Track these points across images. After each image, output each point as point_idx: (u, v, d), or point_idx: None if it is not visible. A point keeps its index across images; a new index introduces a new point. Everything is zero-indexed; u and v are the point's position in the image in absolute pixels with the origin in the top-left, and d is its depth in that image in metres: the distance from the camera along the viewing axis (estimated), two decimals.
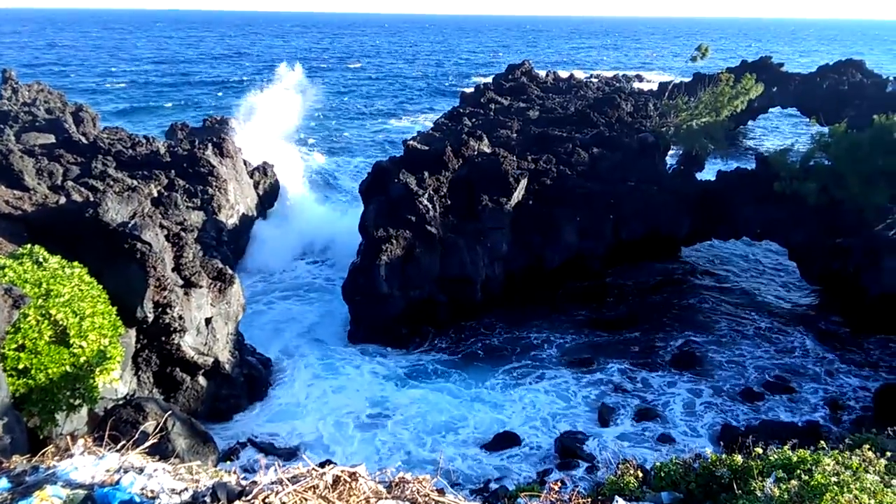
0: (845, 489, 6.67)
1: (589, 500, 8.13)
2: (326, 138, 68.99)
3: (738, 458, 8.99)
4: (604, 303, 32.09)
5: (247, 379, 23.65)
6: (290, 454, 20.59)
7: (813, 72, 71.71)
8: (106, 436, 7.49)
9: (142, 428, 11.25)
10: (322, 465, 7.63)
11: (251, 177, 39.29)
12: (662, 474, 9.38)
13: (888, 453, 8.33)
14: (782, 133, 73.01)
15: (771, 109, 73.18)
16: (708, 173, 39.99)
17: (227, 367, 22.50)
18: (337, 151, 63.73)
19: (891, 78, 66.90)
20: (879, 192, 28.64)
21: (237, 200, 35.38)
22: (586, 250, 33.22)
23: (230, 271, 23.94)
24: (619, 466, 9.92)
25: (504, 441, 21.73)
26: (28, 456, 6.29)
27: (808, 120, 66.66)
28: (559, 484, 7.38)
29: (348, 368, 26.23)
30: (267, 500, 5.47)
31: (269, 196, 40.51)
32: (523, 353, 27.75)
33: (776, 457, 8.44)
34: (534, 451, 21.51)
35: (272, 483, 5.89)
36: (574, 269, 32.93)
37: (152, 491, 5.34)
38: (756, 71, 52.50)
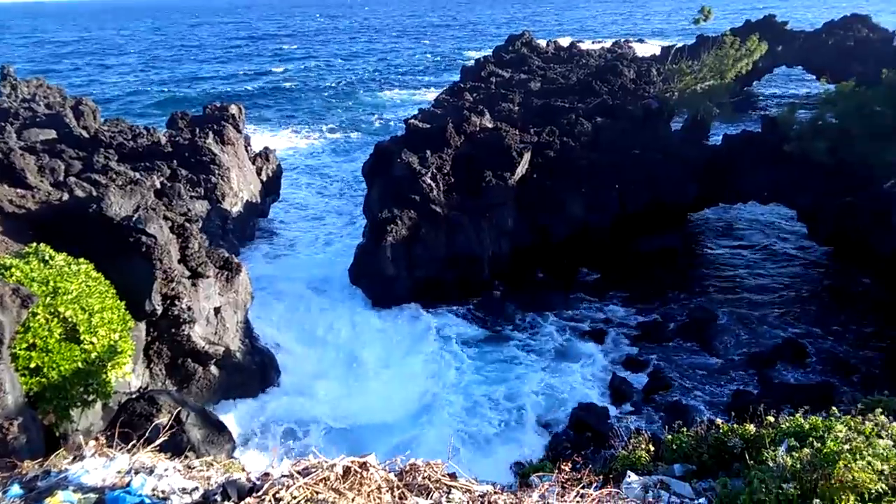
0: (858, 456, 6.58)
1: (601, 476, 8.12)
2: (329, 120, 68.62)
3: (751, 428, 8.95)
4: (611, 275, 31.95)
5: (258, 366, 23.76)
6: (302, 439, 20.76)
7: (818, 28, 70.41)
8: (116, 434, 7.54)
9: (155, 422, 11.36)
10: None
11: (253, 163, 39.15)
12: (674, 447, 9.38)
13: None
14: (788, 94, 71.96)
15: (776, 69, 72.04)
16: (715, 138, 39.54)
17: (238, 355, 22.61)
18: (339, 132, 63.45)
19: None
20: (890, 148, 28.23)
21: (241, 188, 35.30)
22: (593, 222, 33.00)
23: (237, 260, 23.97)
24: (631, 441, 9.91)
25: (516, 416, 21.81)
26: (40, 460, 6.33)
27: (814, 79, 65.82)
28: (570, 462, 7.36)
29: (358, 350, 26.31)
30: (277, 496, 5.46)
31: (272, 182, 40.40)
32: (532, 328, 27.73)
33: (788, 425, 8.39)
34: (545, 427, 21.59)
35: (282, 477, 5.89)
36: (581, 242, 32.77)
37: (163, 492, 5.36)
38: (760, 30, 51.80)
